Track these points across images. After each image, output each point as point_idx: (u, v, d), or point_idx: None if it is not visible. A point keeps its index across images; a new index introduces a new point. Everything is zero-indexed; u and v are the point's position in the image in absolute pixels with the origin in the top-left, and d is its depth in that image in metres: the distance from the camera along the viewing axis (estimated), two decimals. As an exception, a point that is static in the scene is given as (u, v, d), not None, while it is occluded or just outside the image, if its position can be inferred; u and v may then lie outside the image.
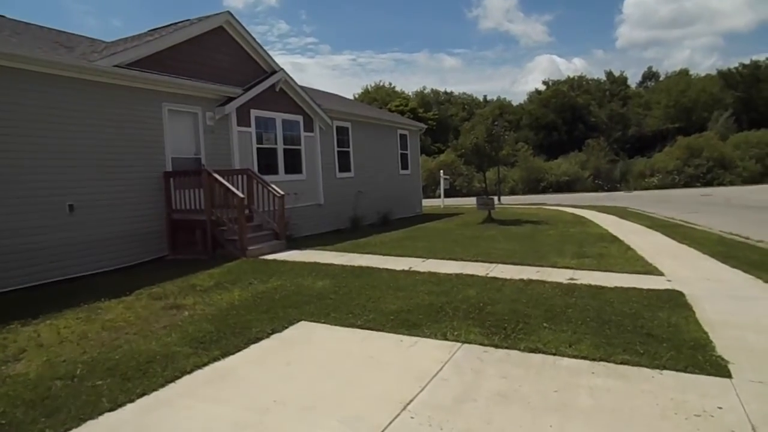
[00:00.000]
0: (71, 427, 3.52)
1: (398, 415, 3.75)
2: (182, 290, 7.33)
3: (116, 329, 5.62)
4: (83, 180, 9.20)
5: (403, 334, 5.34)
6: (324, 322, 5.75)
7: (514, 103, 64.01)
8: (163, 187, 10.66)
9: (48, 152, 8.68)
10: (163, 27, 12.23)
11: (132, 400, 3.90)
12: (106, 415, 3.70)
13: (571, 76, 61.82)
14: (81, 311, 6.36)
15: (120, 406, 3.82)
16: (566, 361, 4.69)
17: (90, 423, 3.59)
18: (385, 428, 3.56)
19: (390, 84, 64.48)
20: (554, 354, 4.80)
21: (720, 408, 3.76)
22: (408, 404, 3.90)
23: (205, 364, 4.57)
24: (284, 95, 14.03)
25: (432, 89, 67.32)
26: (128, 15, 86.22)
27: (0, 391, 4.07)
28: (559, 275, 7.79)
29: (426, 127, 24.89)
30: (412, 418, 3.73)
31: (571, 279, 7.50)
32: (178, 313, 6.18)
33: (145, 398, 3.95)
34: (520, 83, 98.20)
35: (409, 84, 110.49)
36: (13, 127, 8.23)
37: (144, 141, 10.36)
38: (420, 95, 64.45)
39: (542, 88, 61.69)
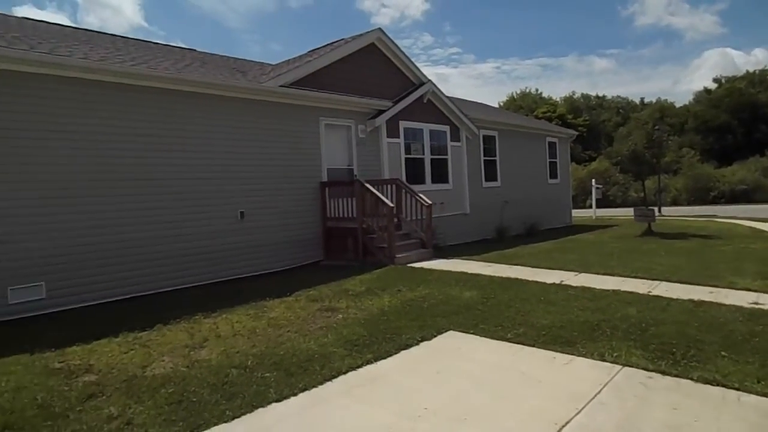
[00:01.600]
0: (246, 412, 3.90)
1: (554, 437, 3.56)
2: (336, 294, 7.76)
3: (279, 327, 6.13)
4: (252, 189, 10.24)
5: (556, 351, 5.08)
6: (472, 333, 5.69)
7: (677, 105, 57.96)
8: (320, 197, 11.45)
9: (226, 164, 9.83)
10: (321, 47, 13.18)
11: (295, 394, 4.22)
12: (274, 405, 4.04)
13: (751, 70, 54.29)
14: (250, 308, 7.05)
15: (285, 398, 4.14)
16: (754, 398, 4.08)
17: (260, 411, 3.95)
18: (540, 450, 3.40)
19: (536, 90, 62.38)
20: (738, 389, 4.20)
21: None
22: (563, 426, 3.69)
23: (359, 366, 4.78)
24: (431, 106, 14.26)
25: (582, 94, 63.77)
26: (286, 40, 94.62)
27: (192, 372, 4.67)
28: (739, 298, 6.83)
29: (576, 134, 23.59)
30: (568, 441, 3.52)
31: (755, 303, 6.54)
32: (333, 316, 6.55)
33: (306, 393, 4.25)
34: (684, 83, 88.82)
35: (556, 89, 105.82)
36: (207, 142, 9.48)
37: (304, 153, 11.24)
38: (569, 101, 61.34)
39: (713, 86, 55.04)
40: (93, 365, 5.04)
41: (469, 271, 9.26)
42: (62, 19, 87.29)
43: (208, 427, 3.68)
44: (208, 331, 6.00)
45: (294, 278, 9.40)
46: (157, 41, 14.08)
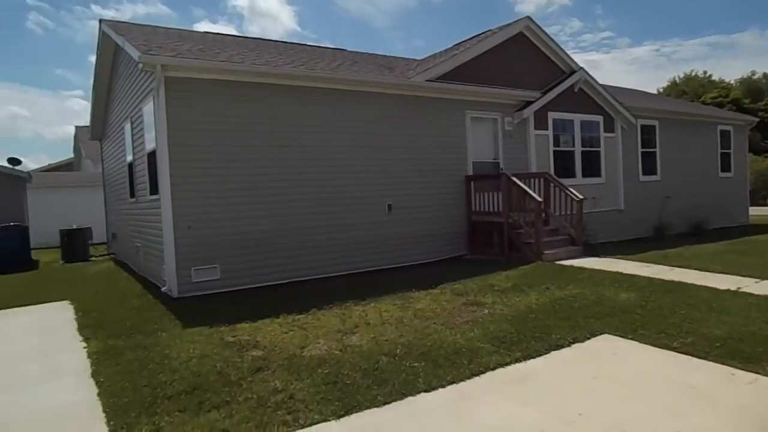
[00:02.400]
0: (396, 399, 4.03)
1: (734, 463, 3.15)
2: (481, 289, 7.68)
3: (425, 318, 6.23)
4: (399, 183, 10.52)
5: (735, 367, 4.48)
6: (631, 338, 5.26)
7: None
8: (465, 190, 11.39)
9: (375, 158, 10.23)
10: (467, 40, 13.06)
11: (443, 386, 4.25)
12: (423, 395, 4.12)
13: None
14: (396, 299, 7.27)
15: (433, 389, 4.20)
16: None
17: (410, 399, 4.05)
18: (717, 475, 3.03)
19: (704, 73, 55.20)
20: None
21: None
22: (747, 453, 3.25)
23: (507, 364, 4.68)
24: (583, 95, 13.40)
25: (763, 74, 54.98)
26: (428, 35, 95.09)
27: (344, 356, 4.95)
28: None
29: (755, 120, 20.43)
30: (754, 471, 3.09)
31: None
32: (478, 310, 6.49)
33: (453, 386, 4.26)
34: None
35: (729, 71, 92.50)
36: (363, 135, 9.98)
37: (449, 147, 11.26)
38: (745, 83, 53.28)
39: None
40: (259, 342, 5.58)
41: (625, 272, 8.56)
42: (231, 30, 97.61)
43: (360, 410, 3.87)
44: (358, 318, 6.30)
45: (438, 271, 9.49)
46: (311, 43, 15.02)
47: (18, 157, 24.09)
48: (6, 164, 16.83)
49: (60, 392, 4.54)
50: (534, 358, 4.83)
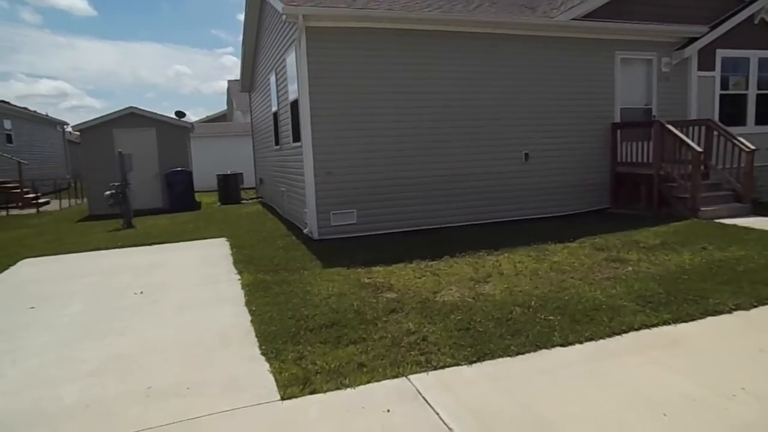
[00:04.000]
0: (529, 350, 3.95)
1: None
2: (625, 245, 7.14)
3: (562, 272, 5.96)
4: (537, 131, 9.99)
5: None
6: (812, 309, 4.57)
7: None
8: (610, 139, 10.51)
9: (512, 104, 9.78)
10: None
11: (580, 342, 4.07)
12: (558, 349, 3.98)
13: None
14: (531, 250, 7.03)
15: (570, 344, 4.04)
16: None
17: (544, 352, 3.94)
18: None
19: None
20: None
21: None
22: None
23: (654, 325, 4.33)
24: (765, 27, 11.41)
25: None
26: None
27: (477, 304, 4.94)
28: None
29: None
30: None
31: None
32: (621, 267, 6.06)
33: (592, 343, 4.06)
34: None
35: None
36: (500, 80, 9.60)
37: (594, 92, 10.38)
38: None
39: None
40: (393, 285, 5.77)
41: (807, 235, 7.39)
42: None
43: (493, 358, 3.85)
44: (491, 268, 6.22)
45: (577, 224, 8.99)
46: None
47: (182, 110, 26.94)
48: (174, 117, 18.89)
49: (222, 316, 5.12)
50: (686, 322, 4.41)
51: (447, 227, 9.24)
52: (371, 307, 5.05)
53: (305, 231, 9.16)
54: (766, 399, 3.23)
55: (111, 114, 15.68)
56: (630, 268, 5.99)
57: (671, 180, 9.54)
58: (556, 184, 10.21)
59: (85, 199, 16.50)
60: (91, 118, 15.89)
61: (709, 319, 4.47)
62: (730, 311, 4.61)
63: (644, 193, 9.91)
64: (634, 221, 8.83)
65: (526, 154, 9.92)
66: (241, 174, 17.44)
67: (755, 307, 4.69)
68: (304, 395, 3.46)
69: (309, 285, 5.93)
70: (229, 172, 17.13)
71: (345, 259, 6.98)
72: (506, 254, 6.86)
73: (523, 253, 6.85)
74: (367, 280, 5.97)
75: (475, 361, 3.80)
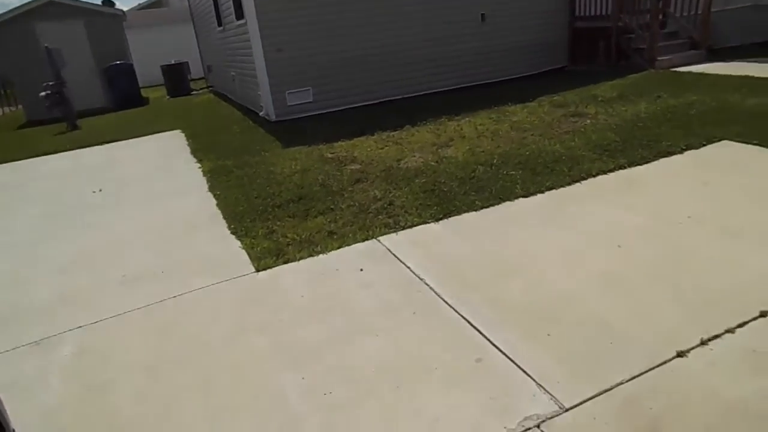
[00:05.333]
0: (493, 203, 4.08)
1: None
2: (583, 100, 7.17)
3: (522, 130, 6.01)
4: (493, -12, 9.49)
5: None
6: (756, 144, 4.77)
7: None
8: (568, -7, 10.11)
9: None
10: None
11: (542, 191, 4.21)
12: (521, 199, 4.12)
13: None
14: (491, 113, 7.02)
15: (532, 194, 4.18)
16: None
17: (507, 204, 4.08)
18: (842, 273, 2.86)
19: None
20: None
21: None
22: None
23: (611, 171, 4.48)
24: None
25: None
26: None
27: (441, 167, 4.99)
28: None
29: None
30: None
31: None
32: (580, 121, 6.13)
33: (553, 192, 4.21)
34: None
35: None
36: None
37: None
38: None
39: None
40: (356, 157, 5.74)
41: (757, 75, 7.52)
42: None
43: (459, 214, 3.98)
44: (453, 132, 6.21)
45: (536, 84, 8.92)
46: None
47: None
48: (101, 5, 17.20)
49: (187, 204, 5.06)
50: (640, 165, 4.57)
51: (407, 98, 9.05)
52: (336, 179, 5.06)
53: (262, 114, 8.86)
54: (706, 222, 3.47)
55: (26, 4, 14.09)
56: (588, 121, 6.07)
57: (630, 31, 9.39)
58: (513, 44, 9.92)
59: (20, 105, 15.41)
60: (2, 12, 14.26)
61: (662, 160, 4.65)
62: (681, 152, 4.78)
63: (602, 48, 9.79)
64: (592, 77, 8.79)
65: (483, 15, 9.49)
66: (187, 63, 16.37)
67: (704, 146, 4.87)
68: (278, 265, 3.55)
69: (272, 165, 5.86)
70: (173, 62, 16.06)
71: (306, 138, 6.86)
72: (467, 118, 6.83)
73: (484, 116, 6.84)
74: (329, 155, 5.92)
75: (441, 218, 3.92)
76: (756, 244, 3.19)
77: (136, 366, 2.73)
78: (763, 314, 2.57)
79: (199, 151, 7.16)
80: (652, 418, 2.07)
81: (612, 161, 4.64)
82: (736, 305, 2.64)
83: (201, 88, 16.59)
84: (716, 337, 2.45)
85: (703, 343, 2.42)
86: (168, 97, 15.64)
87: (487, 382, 2.32)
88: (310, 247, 3.72)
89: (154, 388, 2.55)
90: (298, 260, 3.58)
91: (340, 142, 6.43)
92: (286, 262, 3.57)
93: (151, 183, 5.97)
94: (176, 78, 15.75)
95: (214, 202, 4.99)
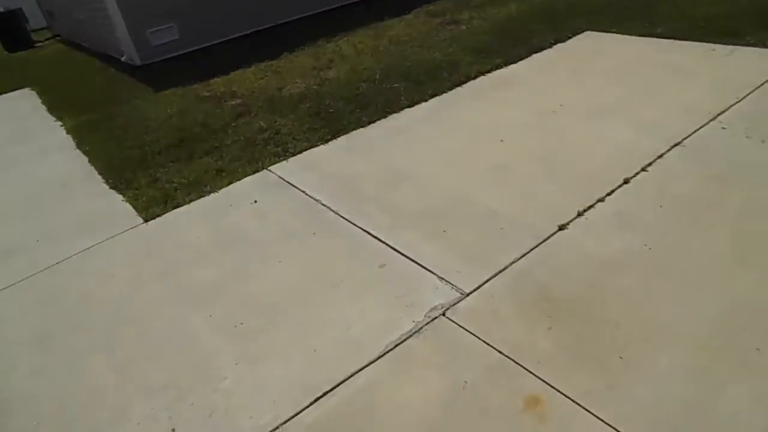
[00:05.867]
0: (380, 117, 4.08)
1: (706, 124, 3.31)
2: (457, 6, 7.20)
3: (402, 43, 5.96)
4: None
5: (716, 42, 4.43)
6: (614, 32, 5.10)
7: None
8: None
9: None
10: None
11: (426, 100, 4.26)
12: (407, 110, 4.15)
13: None
14: (369, 30, 6.86)
15: (416, 103, 4.22)
16: None
17: (394, 115, 4.10)
18: (687, 136, 3.22)
19: None
20: None
21: None
22: (719, 115, 3.40)
23: (489, 71, 4.61)
24: None
25: None
26: None
27: (324, 89, 4.87)
28: None
29: None
30: (723, 128, 3.27)
31: None
32: (456, 28, 6.19)
33: (437, 98, 4.27)
34: None
35: None
36: None
37: None
38: None
39: None
40: (236, 91, 5.43)
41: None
42: None
43: (347, 132, 3.94)
44: (332, 54, 6.03)
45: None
46: None
47: None
48: None
49: (54, 165, 4.57)
50: (515, 62, 4.74)
51: (281, 24, 8.56)
52: (217, 116, 4.78)
53: (124, 59, 8.03)
54: (578, 107, 3.73)
55: None
56: (464, 27, 6.14)
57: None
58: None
59: None
60: None
61: (534, 56, 4.85)
62: (550, 45, 5.01)
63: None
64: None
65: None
66: (20, 9, 14.24)
67: (570, 38, 5.13)
68: (168, 212, 3.37)
69: (145, 112, 5.40)
70: (2, 10, 13.91)
71: (178, 78, 6.34)
72: (345, 38, 6.64)
73: (362, 34, 6.68)
74: (206, 94, 5.55)
75: (330, 139, 3.87)
76: (619, 121, 3.48)
77: (27, 339, 2.52)
78: (626, 181, 2.86)
79: (57, 108, 6.40)
80: (541, 286, 2.27)
81: (489, 62, 4.77)
82: (605, 177, 2.91)
83: (46, 39, 14.63)
84: (590, 207, 2.70)
85: (579, 214, 2.66)
86: (6, 52, 13.67)
87: (393, 284, 2.41)
88: (199, 189, 3.55)
89: (50, 359, 2.39)
90: (189, 203, 3.41)
91: (215, 79, 6.03)
92: (176, 207, 3.39)
93: (8, 149, 5.31)
94: (12, 29, 13.69)
95: (86, 159, 4.54)
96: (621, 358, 1.93)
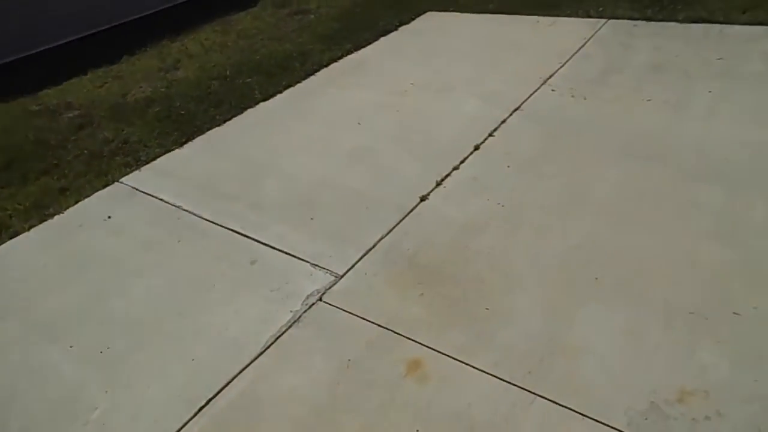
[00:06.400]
0: (236, 114, 3.95)
1: (538, 89, 3.66)
2: (303, -4, 7.18)
3: (250, 37, 5.81)
4: None
5: (540, 15, 4.89)
6: (453, 11, 5.40)
7: None
8: None
9: None
10: None
11: (280, 92, 4.21)
12: (262, 104, 4.07)
13: None
14: (215, 25, 6.57)
15: (271, 96, 4.15)
16: (737, 28, 4.09)
17: (249, 111, 4.00)
18: (524, 101, 3.53)
19: None
20: (722, 22, 4.19)
21: None
22: (548, 79, 3.76)
23: (340, 58, 4.67)
24: None
25: None
26: None
27: (172, 91, 4.59)
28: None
29: None
30: (552, 90, 3.63)
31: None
32: (304, 17, 6.16)
33: (291, 89, 4.23)
34: None
35: None
36: None
37: None
38: None
39: None
40: (72, 102, 4.93)
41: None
42: None
43: (202, 132, 3.77)
44: (179, 53, 5.71)
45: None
46: None
47: None
48: None
49: None
50: (364, 47, 4.85)
51: (118, 26, 7.91)
52: (53, 131, 4.32)
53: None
54: (428, 85, 3.93)
55: None
56: (312, 16, 6.13)
57: None
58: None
59: None
60: None
61: (382, 39, 4.99)
62: (396, 28, 5.18)
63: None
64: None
65: None
66: None
67: (413, 19, 5.33)
68: (4, 242, 2.99)
69: (-40, 136, 4.72)
70: None
71: (-2, 95, 5.62)
72: (191, 36, 6.31)
73: (209, 30, 6.39)
74: (36, 108, 4.98)
75: (185, 142, 3.68)
76: (465, 94, 3.72)
77: None
78: (476, 147, 3.07)
79: None
80: (410, 256, 2.37)
81: (339, 48, 4.82)
82: (458, 146, 3.10)
83: None
84: (447, 176, 2.87)
85: (438, 184, 2.81)
86: None
87: (266, 278, 2.37)
88: (40, 212, 3.19)
89: None
90: (29, 229, 3.05)
91: (46, 90, 5.42)
92: (13, 236, 3.02)
93: None
94: None
95: None
96: (487, 309, 2.08)
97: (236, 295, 2.31)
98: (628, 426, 1.64)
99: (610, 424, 1.65)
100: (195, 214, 2.88)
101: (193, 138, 3.71)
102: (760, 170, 2.61)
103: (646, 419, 1.65)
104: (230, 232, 2.70)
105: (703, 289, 2.04)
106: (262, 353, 2.04)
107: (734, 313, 1.94)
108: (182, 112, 4.11)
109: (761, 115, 3.06)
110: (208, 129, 3.79)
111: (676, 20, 4.40)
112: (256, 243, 2.59)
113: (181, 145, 3.65)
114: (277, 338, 2.09)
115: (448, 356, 1.92)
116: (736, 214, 2.37)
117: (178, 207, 2.96)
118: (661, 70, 3.70)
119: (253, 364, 2.01)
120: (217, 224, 2.77)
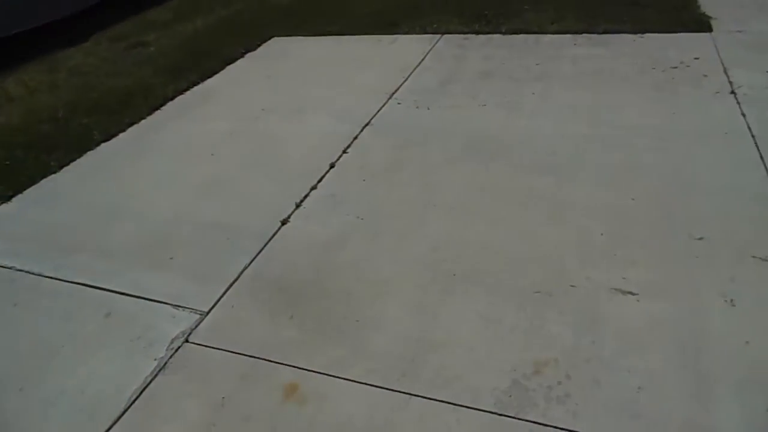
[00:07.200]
0: (73, 158, 3.63)
1: (385, 103, 3.83)
2: (141, 28, 6.80)
3: (84, 74, 5.39)
4: None
5: (381, 33, 5.15)
6: (298, 35, 5.49)
7: None
8: None
9: None
10: None
11: (123, 130, 3.94)
12: (103, 145, 3.78)
13: None
14: (41, 63, 6.00)
15: (114, 136, 3.88)
16: (549, 37, 4.65)
17: (89, 153, 3.69)
18: (374, 116, 3.67)
19: None
20: (537, 32, 4.74)
21: (696, 59, 3.87)
22: (393, 93, 3.96)
23: (186, 89, 4.50)
24: None
25: None
26: None
27: (-9, 141, 4.11)
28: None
29: None
30: (399, 104, 3.83)
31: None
32: (144, 50, 5.85)
33: (135, 126, 3.99)
34: None
35: None
36: None
37: None
38: None
39: None
40: None
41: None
42: None
43: (35, 182, 3.41)
44: (-3, 98, 5.14)
45: (83, 21, 7.92)
46: None
47: None
48: None
49: None
50: (211, 77, 4.73)
51: None
52: None
53: None
54: (278, 110, 3.93)
55: None
56: (152, 48, 5.84)
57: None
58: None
59: None
60: None
61: (228, 67, 4.90)
62: (242, 55, 5.12)
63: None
64: (140, 3, 8.33)
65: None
66: None
67: (259, 46, 5.33)
68: None
69: None
70: None
71: None
72: (11, 77, 5.69)
73: (33, 70, 5.82)
74: None
75: (13, 196, 3.28)
76: (316, 114, 3.79)
77: None
78: (332, 165, 3.14)
79: None
80: (276, 281, 2.36)
81: (184, 80, 4.65)
82: (314, 166, 3.14)
83: None
84: (306, 197, 2.89)
85: (297, 206, 2.82)
86: None
87: (124, 329, 2.21)
88: None
89: None
90: None
91: None
92: None
93: None
94: None
95: None
96: (357, 321, 2.13)
97: (90, 354, 2.12)
98: (495, 405, 1.77)
99: (480, 408, 1.77)
100: (33, 273, 2.59)
101: (24, 190, 3.34)
102: (581, 159, 2.98)
103: (510, 396, 1.79)
104: (78, 285, 2.47)
105: (545, 269, 2.27)
106: (126, 410, 1.89)
107: (571, 285, 2.18)
108: (7, 163, 3.68)
109: (576, 110, 3.49)
110: (42, 178, 3.43)
111: (500, 32, 4.88)
112: (109, 293, 2.39)
113: (9, 199, 3.26)
114: (143, 391, 1.95)
115: (324, 374, 1.92)
116: (564, 198, 2.68)
117: (10, 268, 2.64)
118: (492, 77, 4.06)
119: (117, 424, 1.85)
120: (62, 279, 2.52)
